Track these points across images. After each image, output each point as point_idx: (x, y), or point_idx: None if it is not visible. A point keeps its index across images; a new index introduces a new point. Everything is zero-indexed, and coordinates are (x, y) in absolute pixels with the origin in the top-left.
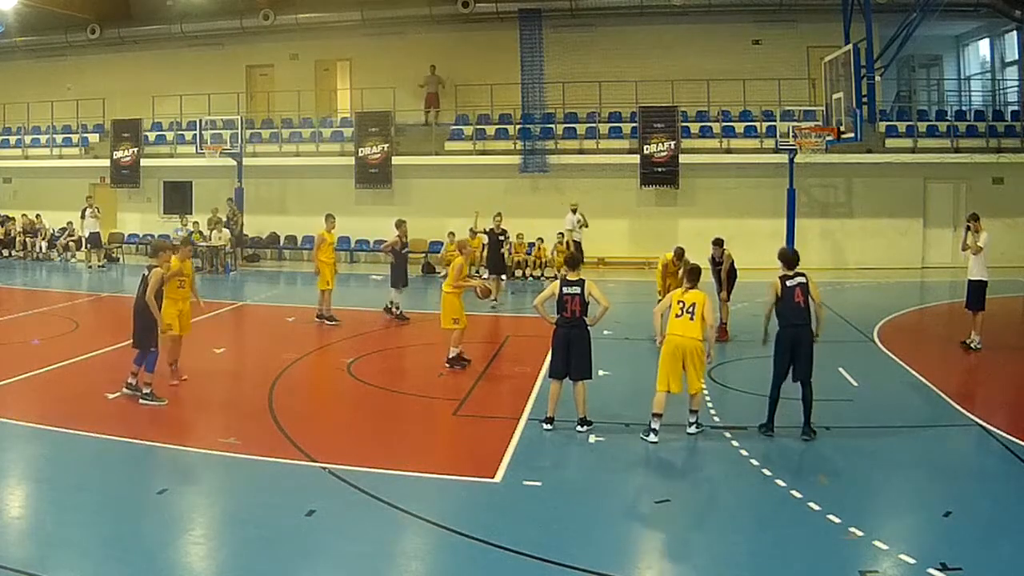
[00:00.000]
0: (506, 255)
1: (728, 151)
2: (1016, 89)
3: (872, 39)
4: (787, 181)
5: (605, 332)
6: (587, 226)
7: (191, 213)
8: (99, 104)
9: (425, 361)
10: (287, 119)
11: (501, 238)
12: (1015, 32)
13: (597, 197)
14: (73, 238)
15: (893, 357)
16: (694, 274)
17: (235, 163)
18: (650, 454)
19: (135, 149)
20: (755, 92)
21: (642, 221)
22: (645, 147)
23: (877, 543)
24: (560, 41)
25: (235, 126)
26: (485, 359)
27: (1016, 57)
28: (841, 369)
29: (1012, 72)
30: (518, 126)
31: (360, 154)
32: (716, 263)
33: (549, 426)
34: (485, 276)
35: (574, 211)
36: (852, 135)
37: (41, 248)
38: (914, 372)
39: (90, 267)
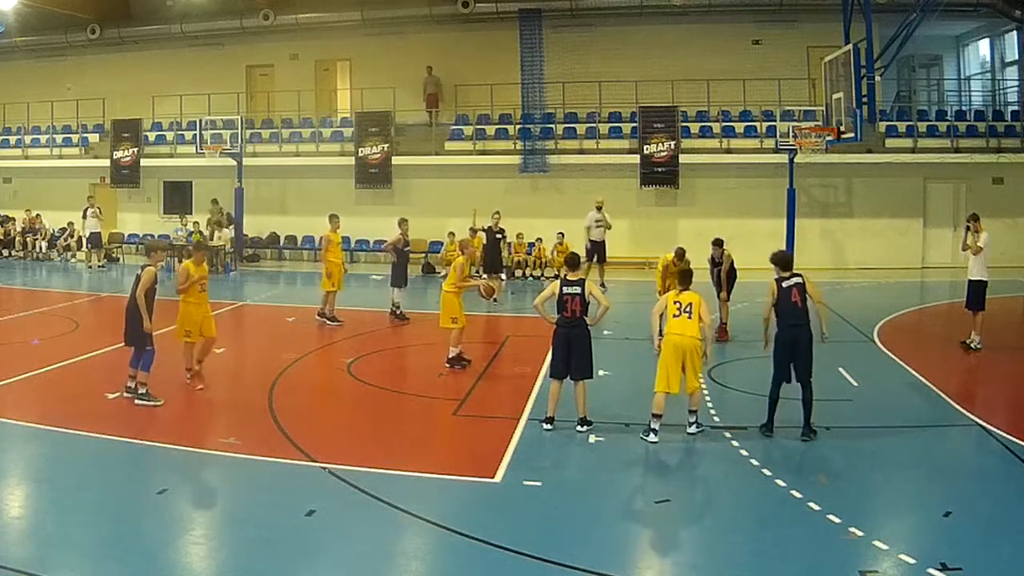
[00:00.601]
0: (504, 254)
1: (728, 151)
2: (1016, 89)
3: (872, 39)
4: (787, 181)
5: (605, 332)
6: (610, 227)
7: (191, 213)
8: (99, 104)
9: (425, 361)
10: (287, 119)
11: (499, 236)
12: (1015, 32)
13: (597, 197)
14: (73, 238)
15: (893, 357)
16: (686, 276)
17: (235, 163)
18: (650, 454)
19: (135, 149)
20: (755, 92)
21: (642, 221)
22: (645, 147)
23: (877, 543)
24: (560, 41)
25: (235, 126)
26: (485, 359)
27: (1016, 57)
28: (841, 369)
29: (1012, 72)
30: (518, 126)
31: (360, 154)
32: (716, 263)
33: (549, 426)
34: (484, 276)
35: (599, 208)
36: (852, 135)
37: (41, 248)
38: (914, 372)
39: (90, 267)
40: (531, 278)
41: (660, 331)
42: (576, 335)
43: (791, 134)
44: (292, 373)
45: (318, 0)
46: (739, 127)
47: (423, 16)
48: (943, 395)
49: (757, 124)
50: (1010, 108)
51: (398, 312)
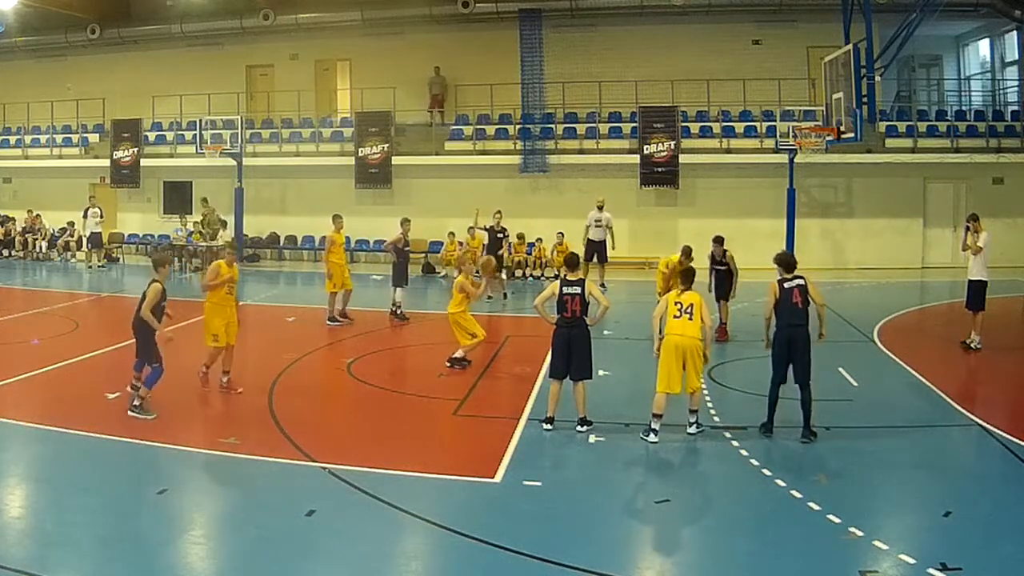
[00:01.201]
0: (505, 254)
1: (728, 151)
2: (1016, 89)
3: (872, 39)
4: (787, 181)
5: (605, 332)
6: (611, 227)
7: (191, 213)
8: (99, 104)
9: (425, 361)
10: (287, 119)
11: (500, 235)
12: (1015, 32)
13: (597, 197)
14: (73, 238)
15: (893, 357)
16: (688, 276)
17: (235, 163)
18: (650, 454)
19: (135, 149)
20: (755, 92)
21: (642, 221)
22: (645, 147)
23: (877, 543)
24: (560, 41)
25: (235, 126)
26: (485, 359)
27: (1016, 57)
28: (841, 369)
29: (1012, 72)
30: (518, 126)
31: (360, 154)
32: (716, 262)
33: (549, 426)
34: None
35: (600, 208)
36: (852, 135)
37: (41, 248)
38: (914, 372)
39: (90, 267)
40: (531, 278)
41: (660, 332)
42: (576, 335)
43: (791, 134)
44: (292, 373)
45: (318, 0)
46: (739, 127)
47: (423, 16)
48: (943, 395)
49: (757, 124)
50: (1010, 108)
51: (398, 312)
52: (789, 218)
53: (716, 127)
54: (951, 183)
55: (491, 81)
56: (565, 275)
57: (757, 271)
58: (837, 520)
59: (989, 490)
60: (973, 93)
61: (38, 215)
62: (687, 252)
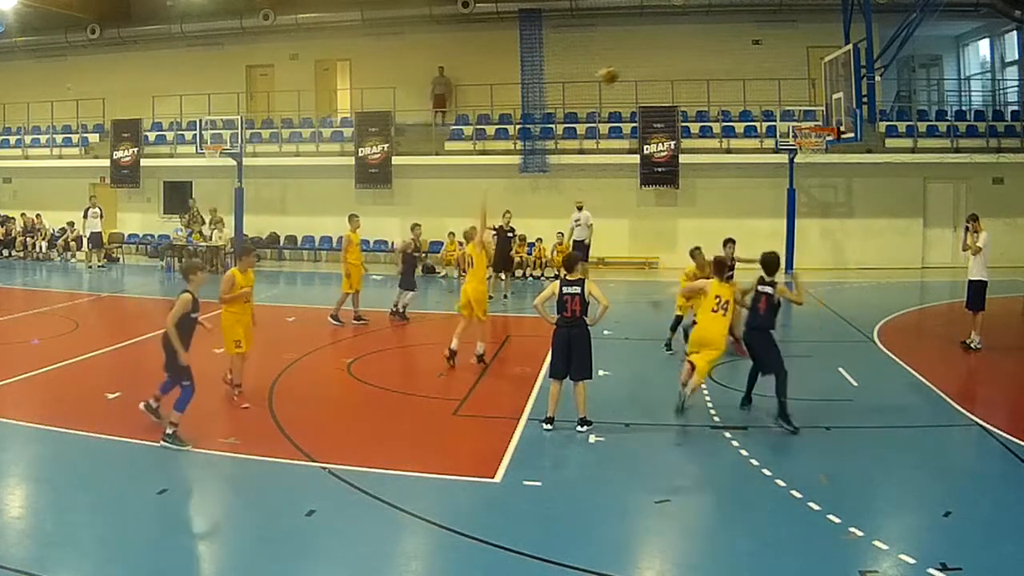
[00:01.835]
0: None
1: (728, 151)
2: (1016, 89)
3: (872, 39)
4: (787, 181)
5: (605, 332)
6: (591, 226)
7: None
8: (99, 104)
9: (425, 361)
10: (287, 119)
11: (510, 235)
12: (1015, 32)
13: (597, 197)
14: (73, 238)
15: (893, 357)
16: (720, 266)
17: (235, 163)
18: (650, 454)
19: (135, 149)
20: (755, 92)
21: (642, 221)
22: (645, 147)
23: (877, 543)
24: (560, 41)
25: (235, 126)
26: (485, 359)
27: (1016, 57)
28: (841, 369)
29: (1012, 72)
30: (518, 126)
31: (360, 154)
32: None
33: (549, 426)
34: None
35: (580, 208)
36: (852, 135)
37: (41, 248)
38: (914, 372)
39: (90, 267)
40: (531, 278)
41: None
42: (576, 335)
43: (791, 134)
44: (292, 373)
45: (318, 0)
46: (739, 127)
47: (423, 16)
48: (943, 395)
49: (757, 124)
50: (1010, 108)
51: (400, 312)
52: (789, 218)
53: (716, 127)
54: (951, 183)
55: (491, 81)
56: (564, 275)
57: (757, 271)
58: (837, 520)
59: (989, 490)
60: (973, 93)
61: (38, 215)
62: (694, 253)
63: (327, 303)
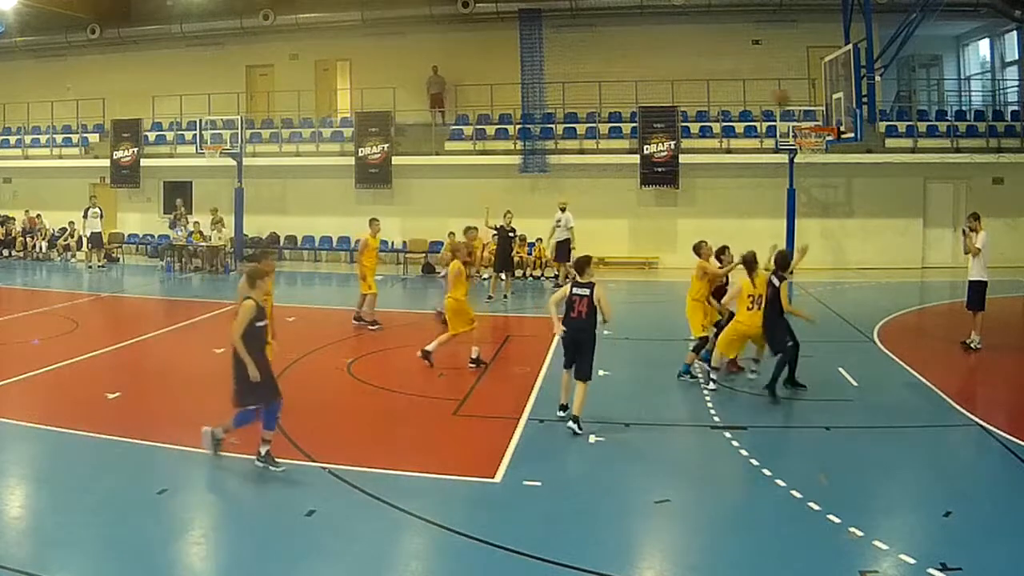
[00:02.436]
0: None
1: (728, 151)
2: (1016, 89)
3: (872, 39)
4: (787, 181)
5: (605, 332)
6: (571, 227)
7: (191, 213)
8: (99, 104)
9: (425, 361)
10: (287, 119)
11: (511, 235)
12: (1015, 32)
13: (597, 197)
14: (73, 238)
15: (893, 357)
16: (751, 264)
17: (235, 163)
18: (650, 454)
19: (135, 149)
20: (755, 92)
21: (642, 221)
22: (645, 147)
23: (877, 543)
24: (560, 41)
25: (235, 126)
26: (485, 359)
27: (1016, 57)
28: (841, 369)
29: (1012, 72)
30: (518, 126)
31: (360, 154)
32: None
33: (563, 412)
34: (487, 276)
35: (563, 209)
36: (852, 135)
37: (41, 248)
38: (914, 372)
39: (90, 267)
40: (531, 278)
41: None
42: (582, 337)
43: (791, 134)
44: (292, 373)
45: (318, 0)
46: (739, 127)
47: (423, 16)
48: (943, 395)
49: (757, 124)
50: (1010, 108)
51: (440, 314)
52: (789, 218)
53: (716, 127)
54: (951, 183)
55: (491, 81)
56: (575, 277)
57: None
58: (837, 520)
59: (989, 490)
60: (973, 93)
61: (38, 215)
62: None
63: (327, 303)
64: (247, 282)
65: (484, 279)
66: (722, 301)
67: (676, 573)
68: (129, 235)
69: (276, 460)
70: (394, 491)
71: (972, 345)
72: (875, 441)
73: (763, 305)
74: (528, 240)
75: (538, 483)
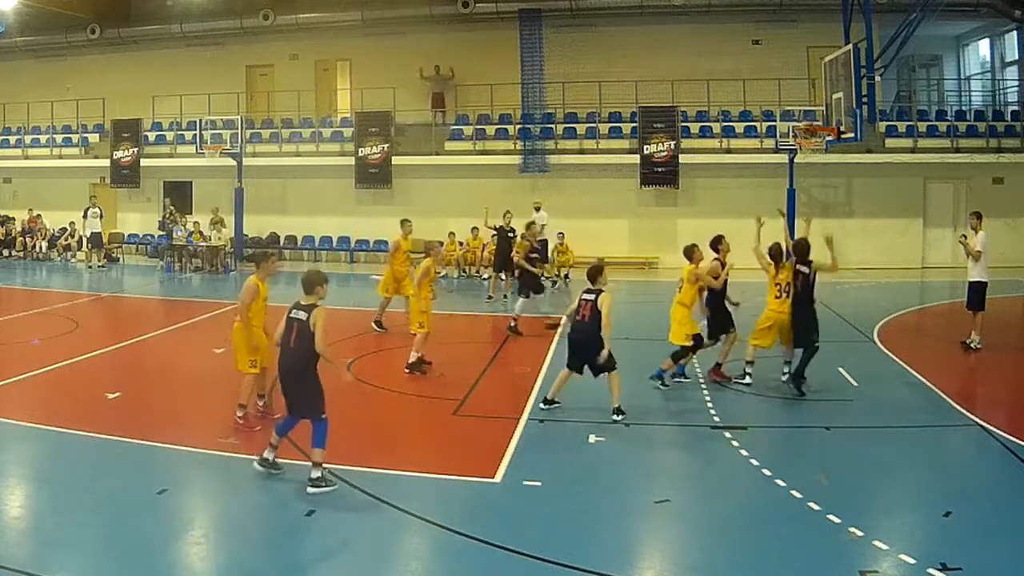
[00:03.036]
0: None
1: (728, 151)
2: (1016, 89)
3: (872, 39)
4: (787, 181)
5: None
6: (544, 226)
7: (191, 213)
8: (99, 104)
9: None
10: (287, 119)
11: (510, 235)
12: (1015, 32)
13: (597, 197)
14: (74, 238)
15: (893, 357)
16: (777, 255)
17: (235, 163)
18: (650, 454)
19: (135, 149)
20: (755, 92)
21: (642, 221)
22: (645, 147)
23: (877, 543)
24: (560, 41)
25: (235, 126)
26: (485, 359)
27: (1016, 57)
28: (841, 369)
29: (1012, 72)
30: (518, 126)
31: (360, 154)
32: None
33: (544, 406)
34: (487, 276)
35: (538, 209)
36: (852, 135)
37: (41, 248)
38: (914, 372)
39: (90, 267)
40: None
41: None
42: (583, 339)
43: (791, 134)
44: None
45: (318, 0)
46: (739, 127)
47: (423, 16)
48: (943, 395)
49: (757, 124)
50: (1010, 108)
51: (513, 327)
52: (789, 218)
53: (716, 127)
54: (951, 183)
55: (491, 81)
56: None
57: (757, 271)
58: (837, 520)
59: (989, 490)
60: (973, 93)
61: (38, 215)
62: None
63: (327, 303)
64: (307, 290)
65: (484, 279)
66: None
67: (676, 573)
68: (129, 235)
69: (331, 480)
70: (394, 491)
71: (972, 345)
72: (875, 441)
73: (792, 294)
74: (537, 238)
75: (538, 483)
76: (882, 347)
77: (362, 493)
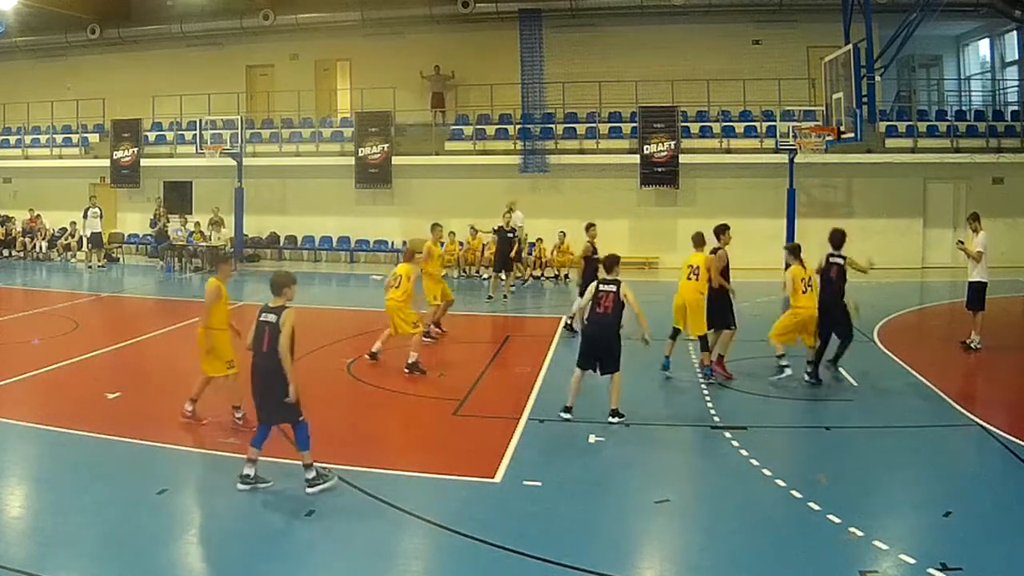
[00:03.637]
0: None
1: (728, 151)
2: (1016, 89)
3: (872, 39)
4: (787, 181)
5: None
6: (521, 226)
7: (191, 213)
8: (99, 104)
9: (426, 361)
10: (287, 119)
11: (510, 235)
12: (1015, 32)
13: (597, 197)
14: (74, 238)
15: (893, 357)
16: (797, 251)
17: (235, 163)
18: (650, 454)
19: (135, 149)
20: (755, 92)
21: (642, 221)
22: (645, 147)
23: (877, 543)
24: (560, 41)
25: (235, 126)
26: (485, 359)
27: (1016, 57)
28: (841, 369)
29: (1012, 72)
30: (518, 126)
31: (360, 154)
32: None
33: (567, 415)
34: (487, 276)
35: (512, 209)
36: (852, 135)
37: (41, 248)
38: (914, 372)
39: (90, 267)
40: (531, 278)
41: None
42: (607, 332)
43: (791, 134)
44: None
45: (318, 0)
46: (739, 127)
47: (423, 16)
48: (943, 395)
49: (757, 124)
50: (1010, 108)
51: (569, 325)
52: (789, 218)
53: (716, 127)
54: (951, 183)
55: (491, 81)
56: (603, 275)
57: (757, 271)
58: (837, 520)
59: (989, 490)
60: (973, 93)
61: (38, 215)
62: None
63: (327, 303)
64: (275, 291)
65: (484, 279)
66: (784, 292)
67: (676, 573)
68: (129, 235)
69: (326, 475)
70: (394, 491)
71: (972, 345)
72: (875, 441)
73: (819, 287)
74: (528, 240)
75: (538, 483)
76: (882, 347)
77: (362, 493)
